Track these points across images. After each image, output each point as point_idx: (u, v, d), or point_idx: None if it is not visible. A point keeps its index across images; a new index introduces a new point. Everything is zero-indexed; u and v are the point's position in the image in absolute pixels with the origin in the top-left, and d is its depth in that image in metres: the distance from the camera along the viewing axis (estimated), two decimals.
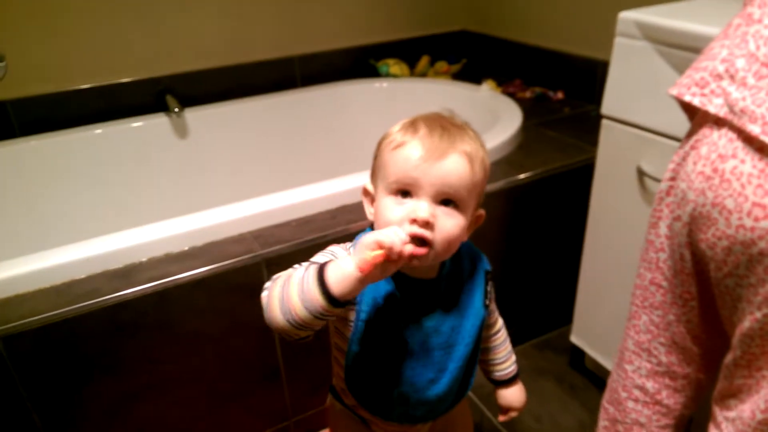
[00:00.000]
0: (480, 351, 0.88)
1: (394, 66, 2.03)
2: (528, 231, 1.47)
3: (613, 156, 1.18)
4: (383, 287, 0.73)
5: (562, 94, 1.84)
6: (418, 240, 0.66)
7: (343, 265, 0.61)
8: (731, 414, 0.73)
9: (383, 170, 0.70)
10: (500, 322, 0.92)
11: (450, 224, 0.68)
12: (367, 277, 0.61)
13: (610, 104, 1.15)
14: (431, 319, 0.76)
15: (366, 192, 0.76)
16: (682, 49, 0.97)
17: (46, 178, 1.62)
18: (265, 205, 1.21)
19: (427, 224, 0.66)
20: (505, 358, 0.93)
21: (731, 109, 0.61)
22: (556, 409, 1.40)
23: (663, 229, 0.77)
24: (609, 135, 1.17)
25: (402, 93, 1.97)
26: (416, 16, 2.13)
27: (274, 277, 0.69)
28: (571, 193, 1.44)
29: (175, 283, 1.06)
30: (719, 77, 0.63)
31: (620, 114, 1.13)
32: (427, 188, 0.67)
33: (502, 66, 2.08)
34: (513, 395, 0.94)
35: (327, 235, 1.17)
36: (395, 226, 0.63)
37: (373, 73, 2.07)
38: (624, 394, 0.91)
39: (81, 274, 1.06)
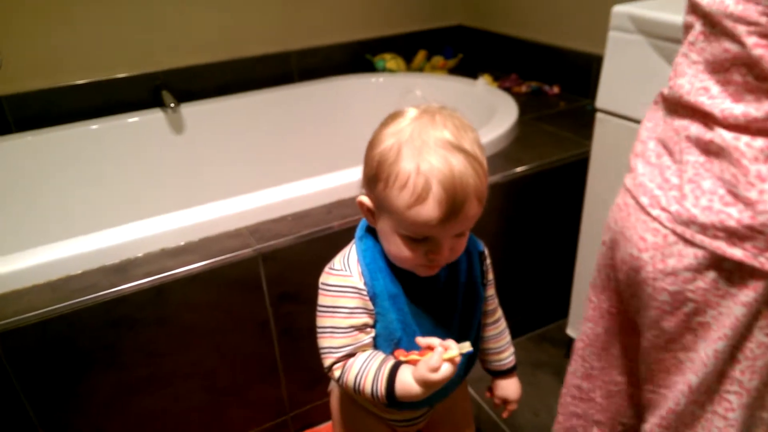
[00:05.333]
0: (480, 338, 0.90)
1: (390, 61, 2.03)
2: (524, 224, 1.47)
3: (608, 149, 1.18)
4: (390, 289, 0.76)
5: (558, 89, 1.84)
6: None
7: (413, 388, 0.70)
8: (643, 425, 0.82)
9: (392, 215, 0.69)
10: (500, 311, 0.93)
11: (461, 245, 0.74)
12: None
13: (604, 98, 1.15)
14: (439, 309, 0.80)
15: (362, 204, 0.75)
16: (676, 43, 0.96)
17: (41, 174, 1.62)
18: (261, 200, 1.21)
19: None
20: (504, 347, 0.94)
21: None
22: (553, 402, 1.40)
23: (599, 251, 0.86)
24: (603, 128, 1.18)
25: (398, 88, 1.95)
26: (413, 11, 2.13)
27: (344, 370, 0.76)
28: (567, 187, 1.44)
29: (172, 278, 1.06)
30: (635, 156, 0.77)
31: (614, 107, 1.13)
32: (444, 235, 0.69)
33: (499, 61, 2.08)
34: (510, 387, 0.95)
35: (323, 229, 1.18)
36: (438, 368, 0.68)
37: (369, 68, 2.07)
38: (564, 390, 0.99)
39: (77, 270, 1.06)
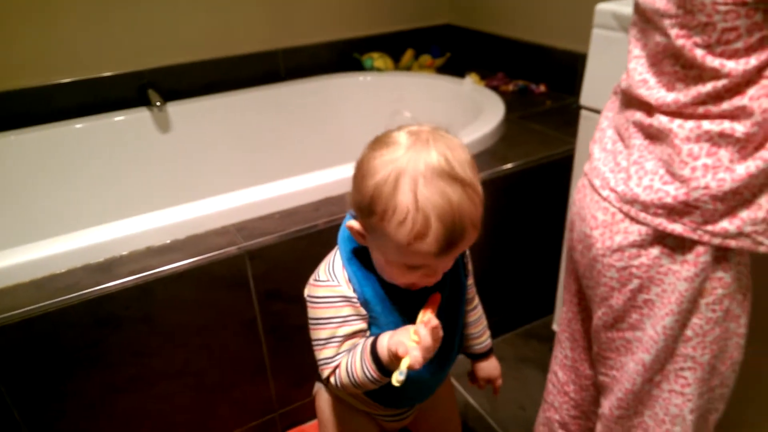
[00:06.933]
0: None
1: (378, 60, 2.03)
2: (510, 222, 1.48)
3: None
4: (380, 293, 0.76)
5: (545, 87, 1.85)
6: None
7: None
8: (600, 410, 0.86)
9: (388, 246, 0.68)
10: (477, 297, 0.96)
11: (453, 262, 0.75)
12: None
13: (588, 95, 1.16)
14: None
15: (351, 228, 0.73)
16: None
17: (26, 173, 1.60)
18: (247, 198, 1.21)
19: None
20: (482, 331, 0.97)
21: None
22: (539, 396, 1.41)
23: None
24: (588, 125, 1.19)
25: (386, 87, 1.97)
26: (401, 10, 2.13)
27: (336, 372, 0.77)
28: (553, 185, 1.45)
29: (157, 276, 1.05)
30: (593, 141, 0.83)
31: (598, 105, 1.14)
32: (440, 263, 0.70)
33: (486, 59, 2.09)
34: (491, 366, 0.98)
35: (310, 227, 1.18)
36: (412, 345, 0.68)
37: (357, 66, 2.07)
38: (548, 375, 1.03)
39: (61, 268, 1.06)
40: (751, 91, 0.62)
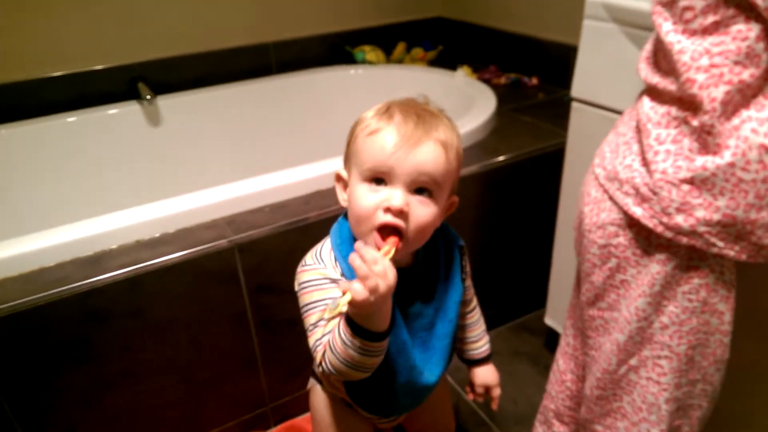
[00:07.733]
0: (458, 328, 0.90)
1: (370, 53, 2.02)
2: (503, 214, 1.48)
3: (583, 138, 1.19)
4: None
5: (537, 80, 1.85)
6: (391, 229, 0.68)
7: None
8: (584, 392, 0.87)
9: (357, 156, 0.71)
10: (476, 301, 0.94)
11: (423, 213, 0.70)
12: (362, 307, 0.62)
13: (579, 87, 1.16)
14: (414, 306, 0.78)
15: (339, 178, 0.77)
16: (649, 31, 0.98)
17: (17, 167, 1.59)
18: (237, 191, 1.20)
19: (401, 213, 0.67)
20: (480, 336, 0.95)
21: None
22: (532, 391, 1.42)
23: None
24: (579, 117, 1.19)
25: (378, 80, 1.96)
26: (392, 3, 2.13)
27: (325, 356, 0.71)
28: (545, 177, 1.45)
29: (147, 269, 1.05)
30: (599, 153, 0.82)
31: (590, 96, 1.14)
32: (402, 176, 0.68)
33: (478, 52, 2.08)
34: (489, 373, 0.96)
35: (300, 220, 1.17)
36: (354, 281, 0.62)
37: (349, 59, 2.06)
38: (552, 364, 1.02)
39: (50, 262, 1.05)
40: (701, 79, 0.61)
